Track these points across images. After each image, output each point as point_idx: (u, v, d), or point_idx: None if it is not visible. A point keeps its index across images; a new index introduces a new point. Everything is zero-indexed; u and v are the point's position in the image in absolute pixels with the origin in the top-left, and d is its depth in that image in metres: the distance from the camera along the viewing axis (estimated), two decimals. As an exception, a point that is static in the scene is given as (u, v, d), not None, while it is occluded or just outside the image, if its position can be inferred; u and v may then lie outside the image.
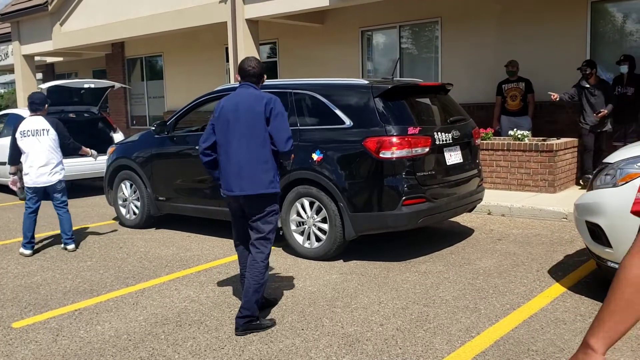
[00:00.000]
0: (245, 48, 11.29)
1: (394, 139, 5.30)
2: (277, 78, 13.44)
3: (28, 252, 6.19)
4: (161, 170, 7.02)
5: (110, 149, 7.76)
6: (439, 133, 5.67)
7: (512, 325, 3.99)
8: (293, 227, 5.88)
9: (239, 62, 11.32)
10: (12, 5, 17.30)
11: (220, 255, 5.96)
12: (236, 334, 3.93)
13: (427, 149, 5.48)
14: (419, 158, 5.45)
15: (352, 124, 5.55)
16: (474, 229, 6.74)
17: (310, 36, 12.98)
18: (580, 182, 8.57)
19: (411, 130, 5.40)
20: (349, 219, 5.47)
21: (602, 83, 8.62)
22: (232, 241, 6.35)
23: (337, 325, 4.07)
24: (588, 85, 8.51)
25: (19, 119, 10.12)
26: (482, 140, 8.34)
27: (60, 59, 19.59)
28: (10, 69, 21.18)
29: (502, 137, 8.88)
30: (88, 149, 6.63)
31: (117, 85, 10.26)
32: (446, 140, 5.74)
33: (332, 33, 12.71)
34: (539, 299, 4.47)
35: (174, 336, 3.95)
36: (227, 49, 14.38)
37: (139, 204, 7.32)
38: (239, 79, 4.17)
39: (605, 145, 8.38)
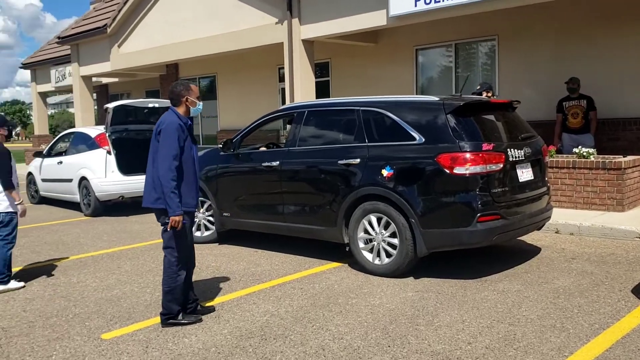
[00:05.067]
0: (302, 68, 11.44)
1: (468, 155, 5.27)
2: (329, 97, 13.56)
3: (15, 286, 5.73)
4: (226, 186, 7.12)
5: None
6: (511, 150, 5.61)
7: (606, 346, 3.88)
8: (361, 244, 5.88)
9: (294, 81, 11.58)
10: (73, 28, 18.01)
11: (291, 271, 6.00)
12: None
13: (500, 165, 5.43)
14: (493, 174, 5.40)
15: (423, 140, 5.54)
16: (544, 248, 6.61)
17: (364, 55, 13.07)
18: None
19: (485, 146, 5.36)
20: (420, 235, 5.44)
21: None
22: (300, 257, 6.50)
23: (424, 343, 4.04)
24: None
25: (86, 137, 10.56)
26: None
27: (116, 79, 20.22)
28: (67, 90, 21.96)
29: (566, 155, 8.72)
30: (17, 196, 5.74)
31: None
32: (518, 157, 5.67)
33: (385, 52, 12.78)
34: (629, 319, 4.34)
35: (261, 350, 3.99)
36: (279, 69, 14.66)
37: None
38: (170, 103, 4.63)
39: None
